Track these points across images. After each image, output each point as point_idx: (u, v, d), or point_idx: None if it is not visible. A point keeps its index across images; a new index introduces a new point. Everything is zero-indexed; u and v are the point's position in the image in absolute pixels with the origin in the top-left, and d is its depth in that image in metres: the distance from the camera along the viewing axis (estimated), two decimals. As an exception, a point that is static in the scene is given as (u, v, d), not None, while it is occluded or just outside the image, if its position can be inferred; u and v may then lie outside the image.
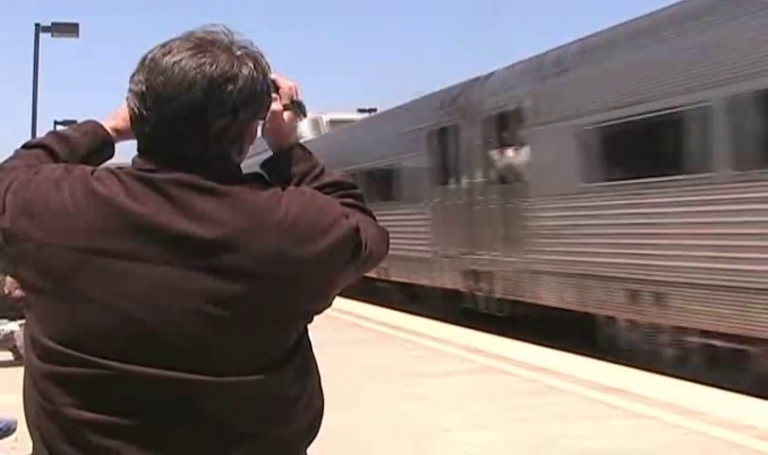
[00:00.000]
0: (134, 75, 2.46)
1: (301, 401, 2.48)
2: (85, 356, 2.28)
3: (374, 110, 45.65)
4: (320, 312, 2.52)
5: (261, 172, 2.66)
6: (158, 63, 2.39)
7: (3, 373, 13.79)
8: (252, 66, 2.44)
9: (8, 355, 15.15)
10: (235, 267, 2.30)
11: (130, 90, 2.47)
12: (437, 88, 25.78)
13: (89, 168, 2.47)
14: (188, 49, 2.39)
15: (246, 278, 2.30)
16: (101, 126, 2.86)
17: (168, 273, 2.29)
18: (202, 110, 2.36)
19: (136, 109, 2.43)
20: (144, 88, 2.40)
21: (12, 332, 15.25)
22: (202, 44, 2.41)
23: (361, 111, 49.04)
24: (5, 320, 15.32)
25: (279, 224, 2.35)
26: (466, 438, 10.21)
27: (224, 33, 2.46)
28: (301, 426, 2.50)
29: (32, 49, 35.03)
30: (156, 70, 2.39)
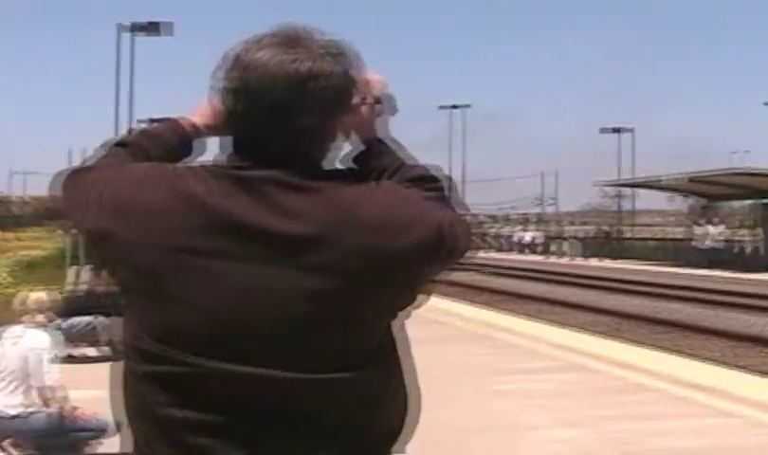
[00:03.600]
0: (218, 71, 2.45)
1: (389, 398, 2.48)
2: (177, 355, 2.29)
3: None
4: (407, 307, 2.49)
5: (346, 167, 2.67)
6: (244, 60, 2.39)
7: (94, 368, 14.00)
8: (340, 63, 2.42)
9: (104, 351, 15.34)
10: (322, 264, 2.28)
11: (215, 87, 2.47)
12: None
13: (172, 165, 2.50)
14: (276, 45, 2.38)
15: (333, 274, 2.28)
16: (182, 124, 2.84)
17: (257, 271, 2.28)
18: (290, 106, 2.35)
19: (224, 106, 2.43)
20: (230, 85, 2.40)
21: (94, 326, 15.47)
22: (289, 40, 2.40)
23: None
24: (90, 317, 15.48)
25: (365, 220, 2.33)
26: (554, 435, 10.17)
27: (312, 30, 2.45)
28: (390, 423, 2.49)
29: (125, 50, 35.57)
30: (242, 67, 2.38)
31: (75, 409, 9.10)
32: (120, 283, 2.43)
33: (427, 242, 2.39)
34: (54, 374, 9.05)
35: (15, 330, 9.55)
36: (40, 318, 9.53)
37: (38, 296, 10.18)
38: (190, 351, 2.29)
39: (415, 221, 2.39)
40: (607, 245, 64.28)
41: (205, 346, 2.29)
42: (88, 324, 15.37)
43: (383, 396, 2.46)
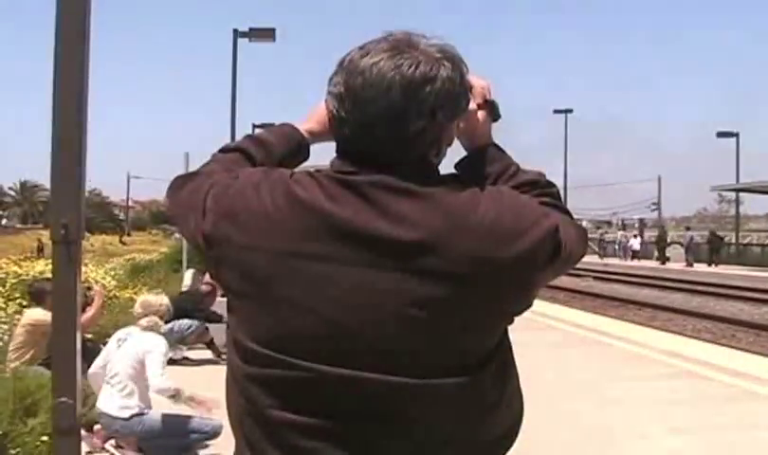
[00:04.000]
0: (332, 77, 2.47)
1: (500, 404, 2.47)
2: (287, 359, 2.30)
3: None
4: (520, 313, 2.47)
5: (459, 172, 2.67)
6: (357, 65, 2.39)
7: (202, 370, 14.16)
8: (450, 68, 2.41)
9: (206, 354, 15.54)
10: (434, 269, 2.27)
11: (329, 92, 2.47)
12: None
13: (288, 171, 2.49)
14: (386, 51, 2.38)
15: (445, 280, 2.27)
16: (297, 129, 2.87)
17: (367, 275, 2.28)
18: (401, 112, 2.34)
19: (334, 111, 2.44)
20: (343, 90, 2.41)
21: (193, 330, 15.61)
22: (400, 45, 2.40)
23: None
24: (189, 320, 15.57)
25: (478, 225, 2.32)
26: (663, 443, 10.04)
27: (422, 35, 2.45)
28: (501, 429, 2.49)
29: (231, 54, 35.93)
30: (355, 72, 2.38)
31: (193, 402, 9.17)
32: (231, 287, 2.44)
33: (541, 247, 2.39)
34: (158, 376, 9.15)
35: (121, 332, 9.68)
36: (144, 321, 9.63)
37: (143, 299, 10.32)
38: (301, 355, 2.30)
39: (530, 226, 2.38)
40: (715, 250, 63.62)
41: (317, 350, 2.30)
42: (189, 327, 15.49)
43: (498, 402, 2.46)
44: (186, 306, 15.68)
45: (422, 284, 2.27)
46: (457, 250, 2.28)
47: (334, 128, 2.49)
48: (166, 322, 10.70)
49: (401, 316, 2.27)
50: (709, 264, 60.37)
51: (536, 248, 2.37)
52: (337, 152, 2.50)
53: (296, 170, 2.57)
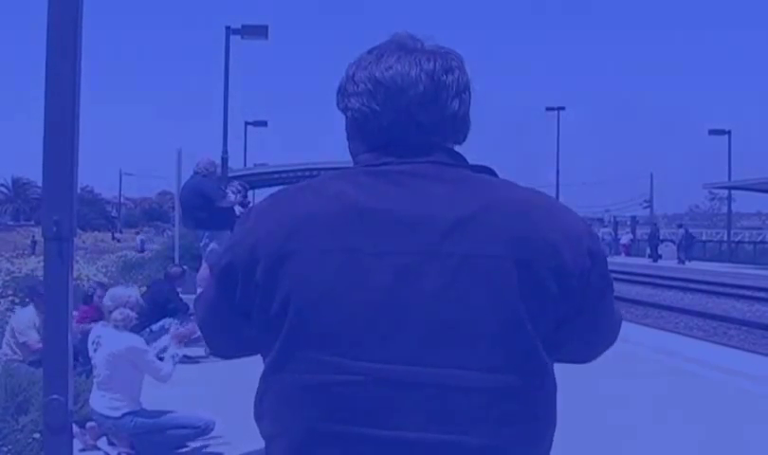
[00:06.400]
0: (350, 79, 2.54)
1: (546, 397, 2.49)
2: (339, 360, 2.32)
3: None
4: (558, 315, 2.46)
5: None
6: (378, 63, 2.48)
7: (195, 368, 14.16)
8: (458, 60, 2.53)
9: (198, 351, 15.49)
10: (474, 253, 2.31)
11: (352, 94, 2.53)
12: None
13: (318, 178, 2.53)
14: (398, 50, 2.49)
15: (486, 264, 2.32)
16: None
17: (410, 263, 2.31)
18: (433, 97, 2.45)
19: (364, 107, 2.49)
20: (371, 86, 2.47)
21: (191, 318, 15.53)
22: (409, 45, 2.51)
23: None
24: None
25: (514, 207, 2.38)
26: (652, 439, 10.08)
27: (417, 38, 2.53)
28: (545, 422, 2.51)
29: (223, 52, 35.79)
30: (380, 68, 2.47)
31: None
32: (291, 300, 2.40)
33: (576, 232, 2.44)
34: (160, 373, 9.31)
35: (93, 334, 9.45)
36: (117, 313, 9.38)
37: (112, 292, 10.06)
38: (352, 355, 2.32)
39: (563, 209, 2.48)
40: (685, 247, 64.19)
41: (366, 347, 2.32)
42: (180, 322, 15.34)
43: (544, 394, 2.49)
44: (157, 299, 15.50)
45: (462, 269, 2.31)
46: (496, 233, 2.33)
47: (364, 127, 2.53)
48: (142, 319, 10.66)
49: (444, 303, 2.31)
50: (684, 262, 61.01)
51: (571, 231, 2.42)
52: (364, 150, 2.54)
53: (328, 172, 2.60)
